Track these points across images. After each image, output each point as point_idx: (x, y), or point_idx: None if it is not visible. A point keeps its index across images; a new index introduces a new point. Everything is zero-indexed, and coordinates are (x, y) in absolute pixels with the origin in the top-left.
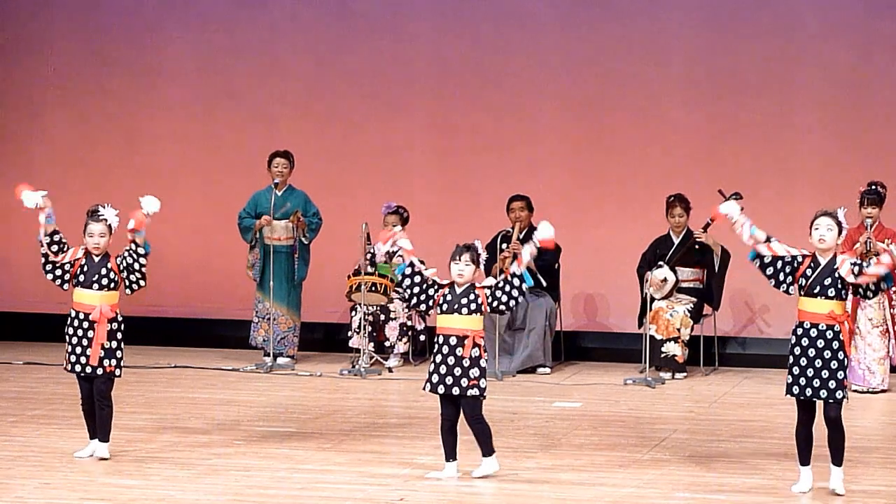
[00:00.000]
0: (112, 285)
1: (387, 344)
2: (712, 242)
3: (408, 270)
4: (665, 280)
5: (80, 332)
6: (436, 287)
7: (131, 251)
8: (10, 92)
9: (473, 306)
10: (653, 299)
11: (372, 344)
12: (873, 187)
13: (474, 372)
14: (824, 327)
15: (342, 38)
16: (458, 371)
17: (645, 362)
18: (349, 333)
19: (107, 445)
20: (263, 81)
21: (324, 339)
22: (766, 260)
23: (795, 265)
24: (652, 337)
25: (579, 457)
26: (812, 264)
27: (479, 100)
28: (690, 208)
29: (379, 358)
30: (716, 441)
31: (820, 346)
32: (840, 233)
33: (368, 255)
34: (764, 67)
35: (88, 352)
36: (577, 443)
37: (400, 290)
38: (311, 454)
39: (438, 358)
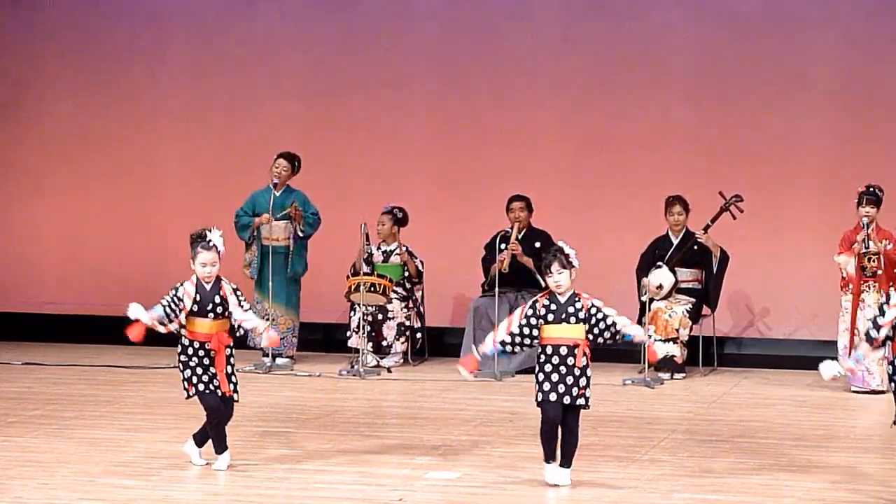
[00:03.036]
0: (225, 313)
1: (384, 343)
2: (711, 244)
3: (508, 348)
4: (660, 287)
5: (195, 360)
6: (534, 315)
7: (241, 317)
8: (8, 91)
9: (582, 314)
10: (651, 300)
11: (371, 344)
12: (871, 189)
13: (583, 381)
14: None
15: (343, 39)
16: (570, 380)
17: (644, 363)
18: (348, 333)
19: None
20: (263, 81)
21: (323, 340)
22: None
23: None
24: (651, 337)
25: (578, 457)
26: None
27: (478, 100)
28: (689, 209)
29: (376, 358)
30: (715, 441)
31: None
32: None
33: (366, 255)
34: (765, 69)
35: (216, 381)
36: None
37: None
38: (310, 454)
39: (548, 368)
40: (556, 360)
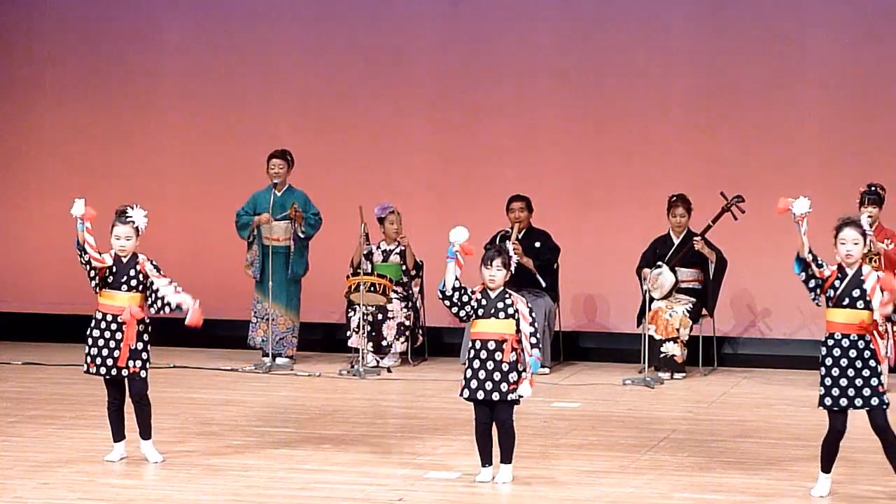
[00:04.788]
0: (140, 287)
1: (384, 343)
2: (707, 251)
3: (456, 284)
4: (660, 274)
5: (107, 334)
6: (469, 293)
7: (161, 289)
8: (7, 92)
9: (511, 310)
10: (652, 299)
11: (370, 344)
12: (873, 188)
13: (513, 376)
14: (855, 337)
15: (342, 39)
16: (497, 376)
17: (644, 362)
18: (348, 333)
19: (151, 442)
20: (263, 81)
21: (322, 340)
22: (808, 272)
23: (822, 279)
24: (651, 337)
25: (578, 457)
26: (839, 275)
27: (478, 100)
28: (692, 209)
29: (376, 358)
30: (714, 441)
31: (852, 356)
32: (865, 241)
33: (365, 251)
34: (765, 69)
35: (116, 353)
36: (575, 443)
37: (443, 294)
38: (309, 454)
39: (476, 364)
40: (483, 354)
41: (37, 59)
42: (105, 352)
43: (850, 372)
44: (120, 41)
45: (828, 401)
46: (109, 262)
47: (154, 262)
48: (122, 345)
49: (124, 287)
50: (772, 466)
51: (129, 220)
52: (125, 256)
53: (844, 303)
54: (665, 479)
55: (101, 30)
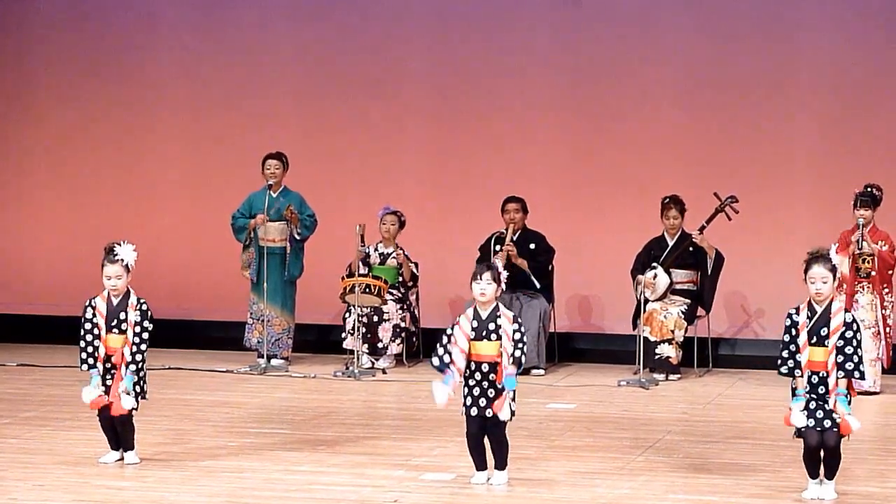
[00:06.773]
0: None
1: (380, 345)
2: (707, 245)
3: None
4: (655, 276)
5: (104, 369)
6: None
7: (141, 340)
8: (5, 92)
9: (501, 331)
10: (647, 301)
11: (366, 345)
12: (868, 189)
13: (509, 394)
14: (825, 375)
15: (338, 40)
16: (491, 393)
17: (639, 364)
18: (343, 335)
19: (133, 452)
20: (258, 82)
21: (317, 341)
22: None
23: (797, 343)
24: (646, 338)
25: (573, 458)
26: (808, 313)
27: (474, 101)
28: (685, 210)
29: (371, 360)
30: (710, 443)
31: (820, 392)
32: (835, 277)
33: (363, 256)
34: (760, 70)
35: (109, 383)
36: (570, 444)
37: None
38: (305, 456)
39: (472, 382)
40: (478, 375)
41: (33, 59)
42: (103, 388)
43: (817, 403)
44: (117, 42)
45: (800, 422)
46: (97, 308)
47: (144, 307)
48: (111, 390)
49: (115, 330)
50: (766, 468)
51: (117, 258)
52: (117, 296)
53: (812, 341)
54: (660, 481)
55: (98, 29)
